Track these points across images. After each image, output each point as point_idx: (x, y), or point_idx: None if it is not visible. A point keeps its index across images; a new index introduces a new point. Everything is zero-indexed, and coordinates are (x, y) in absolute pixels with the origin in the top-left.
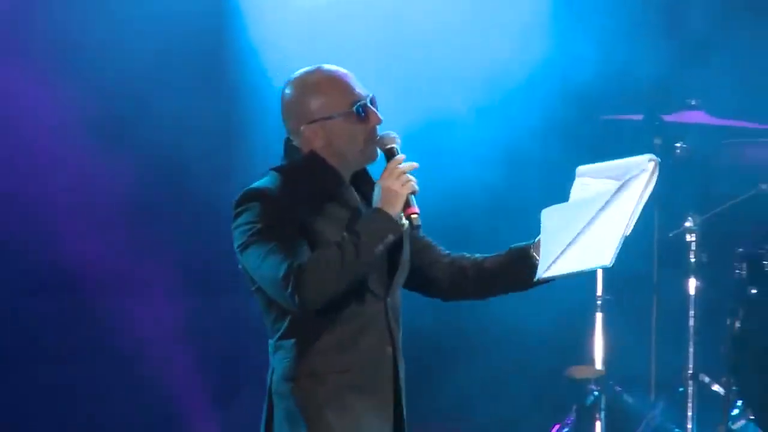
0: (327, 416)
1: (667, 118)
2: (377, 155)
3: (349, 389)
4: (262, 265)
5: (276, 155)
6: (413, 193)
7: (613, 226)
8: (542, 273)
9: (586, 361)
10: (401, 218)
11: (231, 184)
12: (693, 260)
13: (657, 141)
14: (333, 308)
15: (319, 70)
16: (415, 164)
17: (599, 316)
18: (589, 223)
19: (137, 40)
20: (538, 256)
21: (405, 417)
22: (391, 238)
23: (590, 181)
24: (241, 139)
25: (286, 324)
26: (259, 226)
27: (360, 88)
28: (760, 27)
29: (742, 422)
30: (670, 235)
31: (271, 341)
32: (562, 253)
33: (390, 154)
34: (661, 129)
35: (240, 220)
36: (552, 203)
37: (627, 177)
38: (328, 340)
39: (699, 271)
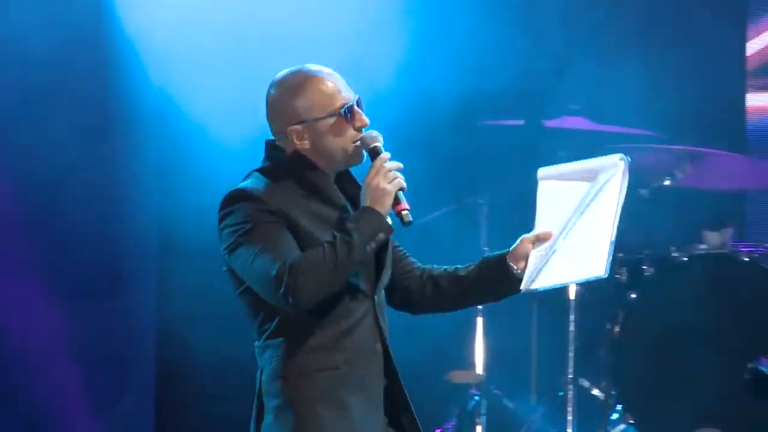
0: (317, 410)
1: (548, 123)
2: (364, 157)
3: (339, 386)
4: (253, 266)
5: (157, 154)
6: (401, 189)
7: (598, 232)
8: (528, 285)
9: (467, 365)
10: (388, 217)
11: (107, 186)
12: None
13: (539, 147)
14: (322, 307)
15: (304, 71)
16: (399, 164)
17: (480, 321)
18: (569, 229)
19: (10, 44)
20: (515, 265)
21: (413, 411)
22: (382, 236)
23: (557, 184)
24: (119, 141)
25: (274, 324)
26: (247, 226)
27: (346, 90)
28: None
29: (621, 426)
30: None
31: (257, 343)
32: (546, 262)
33: (375, 153)
34: (543, 134)
35: (227, 222)
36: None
37: (601, 179)
38: (317, 339)
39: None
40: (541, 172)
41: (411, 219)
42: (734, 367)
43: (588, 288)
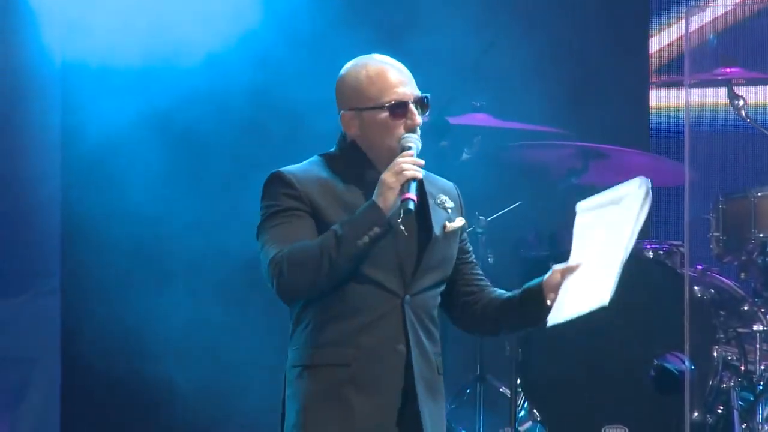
0: (318, 405)
1: (453, 120)
2: None
3: (347, 384)
4: (261, 252)
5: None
6: (413, 179)
7: (610, 259)
8: (554, 319)
9: None
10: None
11: (8, 179)
12: (480, 262)
13: (443, 143)
14: (342, 301)
15: (369, 59)
16: (420, 160)
17: None
18: (594, 257)
19: None
20: (546, 296)
21: (424, 421)
22: (376, 230)
23: (591, 214)
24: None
25: (298, 311)
26: (270, 210)
27: (406, 87)
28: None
29: (528, 424)
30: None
31: (291, 326)
32: (567, 294)
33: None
34: (447, 131)
35: (262, 202)
36: None
37: (624, 204)
38: (333, 332)
39: (486, 274)
40: (580, 206)
41: (410, 207)
42: (640, 364)
43: (495, 284)
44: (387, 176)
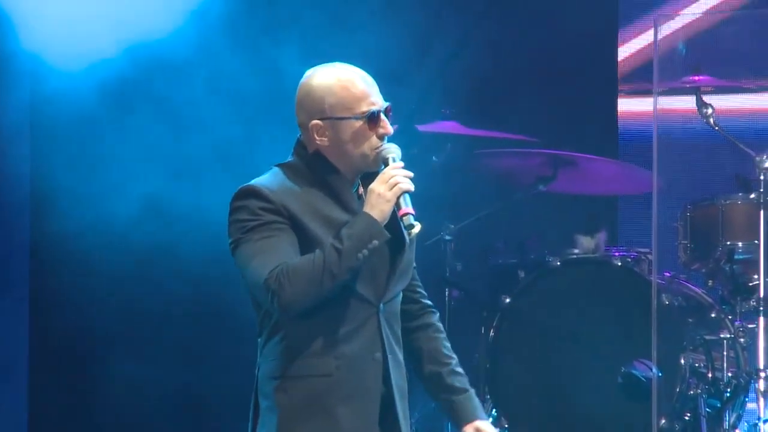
0: (302, 418)
1: (421, 128)
2: (379, 165)
3: (330, 394)
4: (249, 266)
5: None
6: (407, 192)
7: None
8: None
9: None
10: (405, 221)
11: None
12: (448, 269)
13: (412, 151)
14: (320, 311)
15: (337, 69)
16: (408, 172)
17: None
18: None
19: None
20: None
21: (400, 423)
22: (375, 243)
23: None
24: None
25: (272, 323)
26: (250, 225)
27: (377, 96)
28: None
29: (496, 431)
30: (426, 243)
31: (259, 339)
32: None
33: (387, 164)
34: (416, 139)
35: (234, 217)
36: None
37: None
38: (312, 343)
39: (454, 281)
40: None
41: (413, 223)
42: (608, 371)
43: (464, 292)
44: (381, 189)
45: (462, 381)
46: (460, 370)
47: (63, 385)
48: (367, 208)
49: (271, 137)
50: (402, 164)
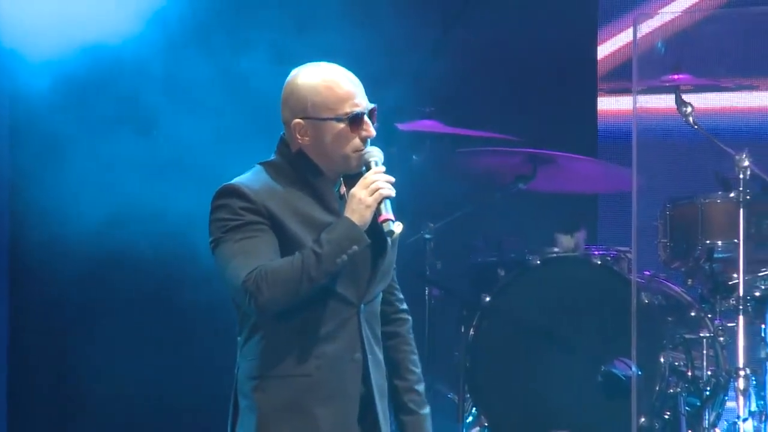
0: (281, 418)
1: (402, 126)
2: (361, 167)
3: (310, 394)
4: (228, 267)
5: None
6: (387, 198)
7: None
8: None
9: None
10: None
11: None
12: (428, 268)
13: (392, 150)
14: (301, 311)
15: (323, 69)
16: (390, 177)
17: None
18: None
19: None
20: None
21: (380, 422)
22: (355, 248)
23: None
24: None
25: (252, 322)
26: (230, 224)
27: (362, 98)
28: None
29: (476, 429)
30: (406, 242)
31: (239, 338)
32: None
33: (369, 168)
34: (396, 137)
35: (215, 215)
36: None
37: None
38: (292, 343)
39: (434, 279)
40: None
41: (392, 229)
42: (588, 369)
43: (444, 290)
44: (362, 194)
45: (417, 402)
46: (418, 388)
47: (43, 382)
48: (347, 213)
49: (238, 139)
50: (383, 169)
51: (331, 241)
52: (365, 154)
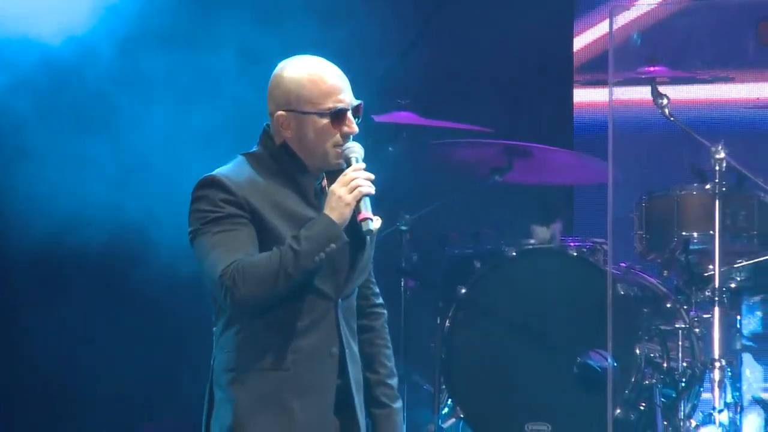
0: (256, 411)
1: (377, 118)
2: (342, 163)
3: (287, 387)
4: (205, 260)
5: None
6: (367, 195)
7: None
8: None
9: None
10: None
11: None
12: (404, 260)
13: (368, 142)
14: (278, 305)
15: (310, 62)
16: (370, 174)
17: None
18: None
19: None
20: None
21: (357, 414)
22: (332, 246)
23: None
24: None
25: (228, 315)
26: (210, 216)
27: (346, 94)
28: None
29: (452, 420)
30: (382, 234)
31: (215, 329)
32: None
33: (350, 164)
34: (371, 130)
35: (194, 206)
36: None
37: None
38: (270, 337)
39: (410, 271)
40: None
41: (370, 228)
42: (564, 361)
43: (420, 282)
44: (342, 191)
45: (389, 395)
46: (391, 382)
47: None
48: (327, 210)
49: (200, 138)
50: (363, 165)
51: (309, 239)
52: (346, 149)
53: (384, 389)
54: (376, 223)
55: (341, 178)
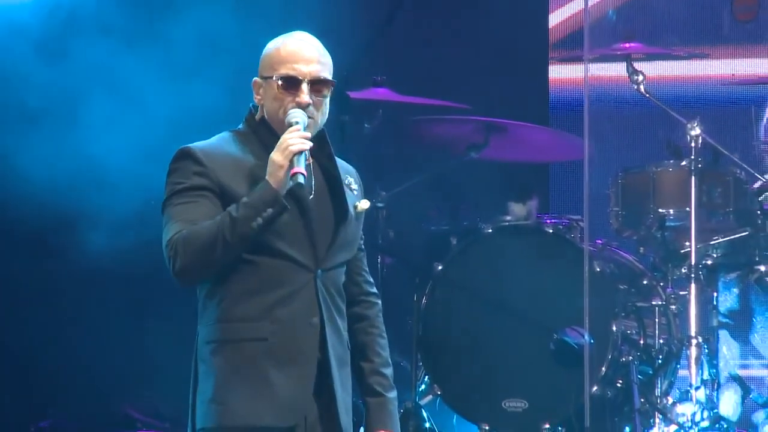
0: (237, 382)
1: (354, 95)
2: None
3: (265, 358)
4: (163, 231)
5: None
6: (299, 152)
7: None
8: None
9: None
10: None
11: None
12: (380, 236)
13: (344, 118)
14: (255, 276)
15: (292, 34)
16: (306, 133)
17: None
18: None
19: None
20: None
21: (336, 390)
22: (270, 211)
23: None
24: None
25: (208, 288)
26: (177, 187)
27: (308, 65)
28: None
29: (428, 398)
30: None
31: (199, 305)
32: None
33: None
34: (348, 106)
35: (168, 178)
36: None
37: None
38: (248, 307)
39: (387, 248)
40: None
41: (301, 180)
42: (540, 338)
43: (397, 259)
44: (275, 155)
45: (383, 384)
46: (385, 371)
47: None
48: (267, 177)
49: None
50: (300, 127)
51: (246, 204)
52: (288, 115)
53: (378, 378)
54: (363, 204)
55: (278, 143)
